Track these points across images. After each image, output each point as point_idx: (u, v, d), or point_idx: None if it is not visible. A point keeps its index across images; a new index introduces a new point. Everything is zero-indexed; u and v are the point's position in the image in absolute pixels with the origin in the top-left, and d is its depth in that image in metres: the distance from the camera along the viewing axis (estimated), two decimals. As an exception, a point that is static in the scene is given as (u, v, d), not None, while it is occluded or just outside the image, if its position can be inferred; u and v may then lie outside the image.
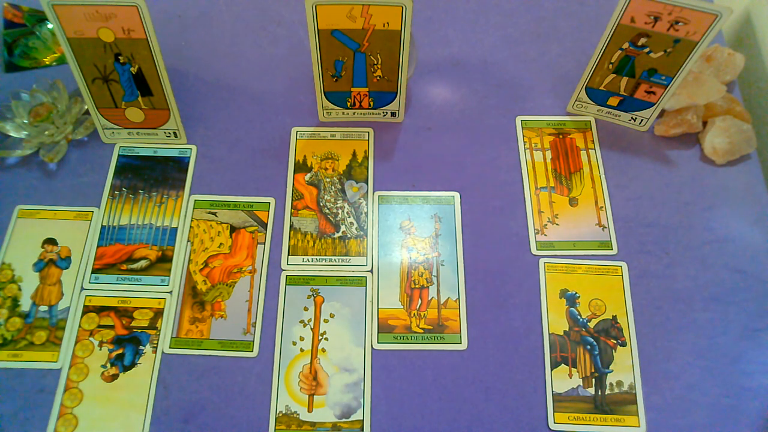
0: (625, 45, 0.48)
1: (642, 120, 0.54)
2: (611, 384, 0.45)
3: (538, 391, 0.44)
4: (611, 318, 0.47)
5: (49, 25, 0.59)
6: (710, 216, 0.51)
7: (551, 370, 0.45)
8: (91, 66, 0.48)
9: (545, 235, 0.50)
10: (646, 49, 0.48)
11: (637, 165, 0.53)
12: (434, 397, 0.44)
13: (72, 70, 0.48)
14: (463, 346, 0.46)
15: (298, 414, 0.43)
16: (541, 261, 0.49)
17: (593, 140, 0.54)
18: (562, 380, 0.45)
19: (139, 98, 0.50)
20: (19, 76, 0.57)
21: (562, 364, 0.45)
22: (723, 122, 0.52)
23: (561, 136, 0.54)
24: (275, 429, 0.43)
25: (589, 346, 0.46)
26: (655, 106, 0.52)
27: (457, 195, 0.52)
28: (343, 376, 0.45)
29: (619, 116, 0.55)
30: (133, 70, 0.48)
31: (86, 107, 0.52)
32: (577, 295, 0.47)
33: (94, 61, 0.48)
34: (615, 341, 0.46)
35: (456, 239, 0.50)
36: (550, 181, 0.52)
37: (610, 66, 0.50)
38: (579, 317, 0.47)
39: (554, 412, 0.44)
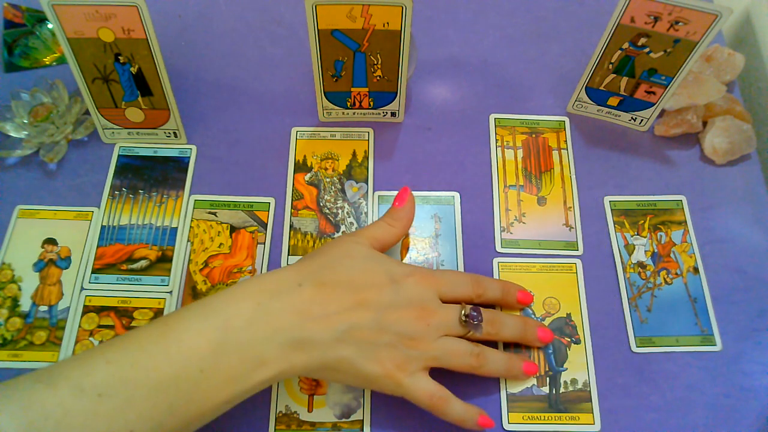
0: (625, 45, 0.48)
1: (642, 120, 0.54)
2: (565, 382, 0.45)
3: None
4: (565, 316, 0.47)
5: (49, 25, 0.59)
6: (710, 216, 0.51)
7: None
8: (91, 66, 0.48)
9: (511, 233, 0.50)
10: (646, 49, 0.48)
11: (637, 165, 0.54)
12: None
13: (72, 70, 0.48)
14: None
15: (298, 414, 0.43)
16: (495, 261, 0.49)
17: (566, 140, 0.54)
18: (516, 380, 0.44)
19: (139, 98, 0.50)
20: (19, 76, 0.57)
21: None
22: (723, 122, 0.52)
23: (534, 135, 0.54)
24: (275, 429, 0.43)
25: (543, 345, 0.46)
26: (655, 106, 0.52)
27: (457, 195, 0.52)
28: (343, 376, 0.45)
29: (619, 116, 0.55)
30: (133, 70, 0.48)
31: (86, 107, 0.52)
32: (532, 294, 0.47)
33: (94, 61, 0.48)
34: (569, 339, 0.46)
35: (456, 239, 0.50)
36: (520, 180, 0.52)
37: (610, 66, 0.50)
38: (533, 317, 0.47)
39: (509, 412, 0.43)
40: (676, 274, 0.48)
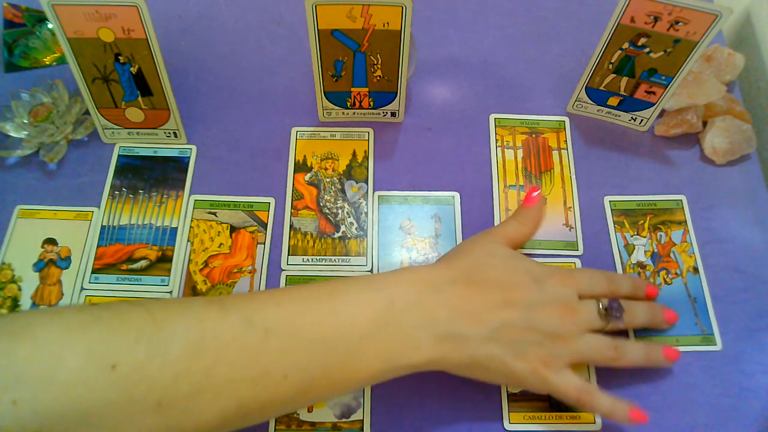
0: (625, 45, 0.48)
1: (642, 120, 0.54)
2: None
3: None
4: None
5: (49, 25, 0.59)
6: (710, 216, 0.51)
7: None
8: (91, 66, 0.48)
9: None
10: (646, 49, 0.48)
11: (637, 165, 0.54)
12: (435, 397, 0.44)
13: (72, 70, 0.48)
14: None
15: (298, 414, 0.43)
16: None
17: (566, 140, 0.54)
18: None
19: (139, 98, 0.50)
20: (19, 76, 0.57)
21: None
22: (723, 122, 0.52)
23: (534, 135, 0.54)
24: (275, 429, 0.43)
25: None
26: (655, 106, 0.52)
27: (457, 195, 0.52)
28: (343, 376, 0.45)
29: (619, 116, 0.55)
30: (133, 70, 0.48)
31: (86, 107, 0.52)
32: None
33: (94, 61, 0.48)
34: None
35: (456, 239, 0.50)
36: (519, 180, 0.52)
37: (610, 66, 0.50)
38: None
39: (509, 412, 0.43)
40: (676, 274, 0.48)
